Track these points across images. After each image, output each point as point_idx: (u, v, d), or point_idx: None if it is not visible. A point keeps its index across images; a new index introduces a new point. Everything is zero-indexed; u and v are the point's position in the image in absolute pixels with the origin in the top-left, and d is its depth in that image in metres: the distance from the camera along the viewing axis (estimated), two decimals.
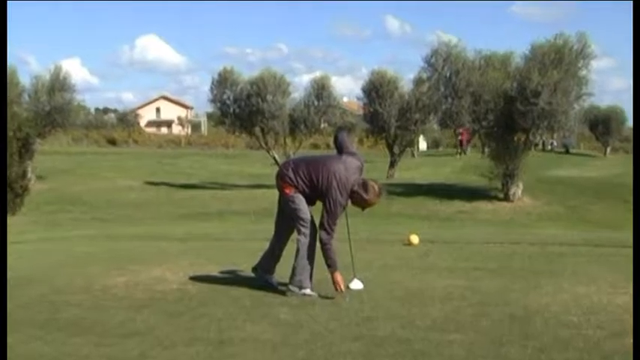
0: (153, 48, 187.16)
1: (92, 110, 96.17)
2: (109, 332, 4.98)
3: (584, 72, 23.27)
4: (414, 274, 7.20)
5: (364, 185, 6.03)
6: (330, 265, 6.06)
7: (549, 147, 55.51)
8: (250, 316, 5.40)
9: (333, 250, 6.04)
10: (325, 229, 5.99)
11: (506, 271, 7.34)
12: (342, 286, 6.06)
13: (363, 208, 6.18)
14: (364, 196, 6.03)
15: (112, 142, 74.19)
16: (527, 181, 25.69)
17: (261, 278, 6.55)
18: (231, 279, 6.96)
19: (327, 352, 4.49)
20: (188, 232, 14.22)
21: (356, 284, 6.28)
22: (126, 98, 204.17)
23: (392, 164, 34.10)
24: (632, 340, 4.51)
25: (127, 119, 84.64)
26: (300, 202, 6.12)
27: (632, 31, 8.11)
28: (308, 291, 6.13)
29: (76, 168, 36.18)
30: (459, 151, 50.46)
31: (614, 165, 42.35)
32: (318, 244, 6.11)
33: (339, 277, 6.07)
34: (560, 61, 22.69)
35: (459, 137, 50.74)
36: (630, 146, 63.55)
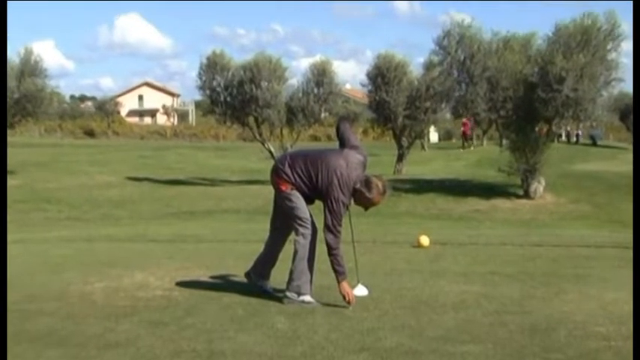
0: (135, 29, 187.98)
1: (67, 98, 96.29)
2: (86, 344, 4.98)
3: (613, 55, 23.29)
4: (424, 280, 7.20)
5: (367, 183, 5.99)
6: (340, 274, 5.98)
7: (574, 139, 55.55)
8: (243, 326, 5.40)
9: (341, 255, 5.99)
10: (331, 231, 5.92)
11: (526, 277, 7.35)
12: (352, 297, 6.01)
13: (366, 208, 6.16)
14: (367, 194, 5.99)
15: (90, 133, 74.30)
16: (550, 176, 25.72)
17: (255, 284, 6.55)
18: (222, 285, 6.97)
19: None
20: (174, 233, 14.23)
21: (360, 290, 6.28)
22: (105, 85, 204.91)
23: (400, 158, 34.12)
24: None
25: (106, 108, 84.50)
26: (298, 199, 6.09)
27: (633, 31, 8.15)
28: (307, 298, 6.11)
29: (50, 162, 36.22)
30: (464, 144, 50.64)
31: None
32: (320, 246, 6.11)
33: (347, 287, 6.04)
34: (587, 43, 22.69)
35: (462, 128, 50.86)
36: None
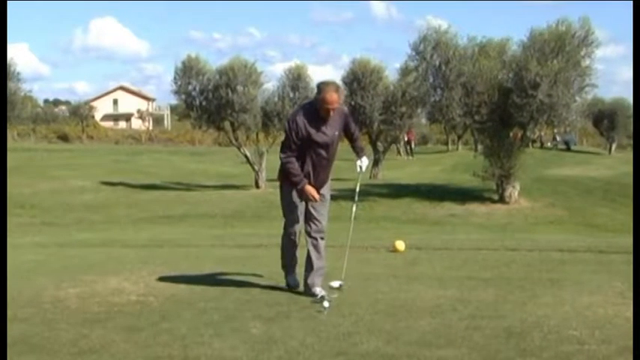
0: (110, 32, 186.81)
1: (41, 102, 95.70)
2: (60, 350, 4.94)
3: (587, 61, 23.47)
4: (400, 284, 7.21)
5: (317, 87, 6.57)
6: (298, 182, 6.46)
7: (549, 144, 55.94)
8: (218, 331, 5.38)
9: (295, 167, 6.45)
10: (282, 150, 6.55)
11: (501, 281, 7.38)
12: (316, 196, 6.49)
13: (327, 111, 6.41)
14: (318, 97, 6.39)
15: (64, 137, 73.82)
16: (525, 181, 25.88)
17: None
18: (197, 290, 6.94)
19: None
20: (149, 238, 14.16)
21: (335, 283, 6.45)
22: (79, 89, 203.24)
23: (376, 163, 34.19)
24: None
25: (80, 112, 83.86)
26: (285, 196, 6.66)
27: (633, 31, 8.21)
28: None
29: (23, 166, 35.88)
30: (409, 152, 50.02)
31: (622, 163, 42.70)
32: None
33: (310, 189, 6.49)
34: (562, 49, 22.86)
35: (406, 136, 49.25)
36: None
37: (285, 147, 6.50)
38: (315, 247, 6.68)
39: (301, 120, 6.42)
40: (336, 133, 6.59)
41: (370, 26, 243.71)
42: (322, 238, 6.68)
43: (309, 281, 6.65)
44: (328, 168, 6.66)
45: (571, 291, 6.71)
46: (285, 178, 6.62)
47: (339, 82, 28.98)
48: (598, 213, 23.91)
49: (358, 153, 6.88)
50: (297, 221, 6.67)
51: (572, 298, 6.38)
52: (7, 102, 29.36)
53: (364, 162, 6.89)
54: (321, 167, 6.57)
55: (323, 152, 6.54)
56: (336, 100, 6.38)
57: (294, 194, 6.57)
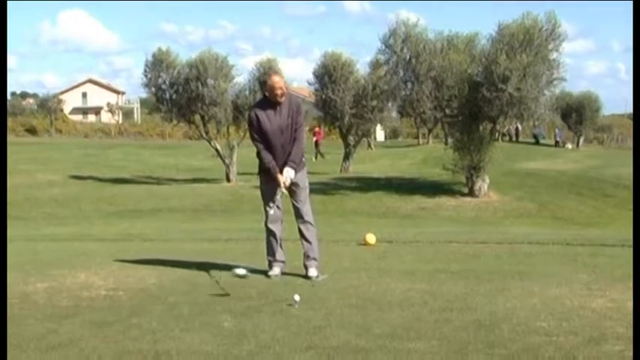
0: (79, 24, 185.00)
1: (8, 95, 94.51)
2: (27, 345, 4.88)
3: (554, 55, 23.69)
4: (370, 278, 7.23)
5: (263, 79, 7.38)
6: (270, 168, 6.97)
7: (514, 137, 56.29)
8: (188, 326, 5.35)
9: (265, 157, 6.98)
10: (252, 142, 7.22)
11: (470, 274, 7.42)
12: (281, 184, 6.91)
13: (276, 91, 6.85)
14: (267, 84, 6.99)
15: (32, 130, 73.07)
16: (494, 174, 26.05)
17: None
18: (168, 284, 6.90)
19: None
20: (119, 232, 14.07)
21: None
22: (48, 81, 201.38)
23: (346, 156, 34.26)
24: (610, 347, 4.62)
25: (48, 105, 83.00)
26: (260, 186, 7.22)
27: (633, 31, 8.29)
28: (269, 270, 7.17)
29: None
30: (317, 154, 43.11)
31: (590, 157, 43.24)
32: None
33: (279, 176, 6.93)
34: (530, 43, 23.04)
35: (314, 137, 43.57)
36: (605, 136, 65.12)
37: (251, 139, 7.16)
38: (303, 233, 7.23)
39: (254, 112, 7.07)
40: (288, 120, 6.95)
41: (343, 20, 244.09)
42: (305, 222, 7.21)
43: (306, 263, 7.24)
44: (286, 152, 7.00)
45: (539, 283, 6.77)
46: (260, 170, 7.16)
47: (310, 75, 29.32)
48: (565, 206, 24.14)
49: (286, 160, 7.01)
50: (272, 209, 7.06)
51: (540, 290, 6.43)
52: None
53: (286, 173, 6.97)
54: (279, 152, 6.98)
55: (276, 138, 6.95)
56: (279, 81, 6.90)
57: (268, 184, 7.07)
